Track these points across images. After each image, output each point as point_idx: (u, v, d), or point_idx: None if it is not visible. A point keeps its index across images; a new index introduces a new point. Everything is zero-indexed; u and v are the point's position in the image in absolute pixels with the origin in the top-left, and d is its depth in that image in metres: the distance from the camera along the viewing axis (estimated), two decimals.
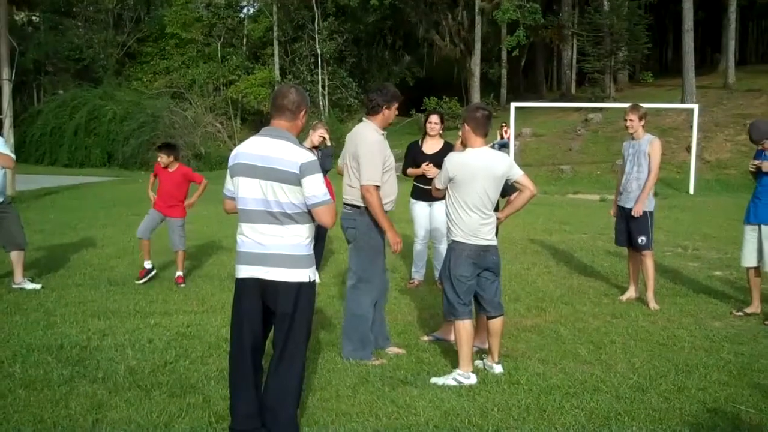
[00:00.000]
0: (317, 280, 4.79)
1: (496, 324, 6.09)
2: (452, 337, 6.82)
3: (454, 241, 5.91)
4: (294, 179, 4.35)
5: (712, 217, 17.04)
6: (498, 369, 6.06)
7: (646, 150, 8.49)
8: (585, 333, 7.24)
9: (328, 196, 4.45)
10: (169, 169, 9.57)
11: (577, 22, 45.10)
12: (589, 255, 11.71)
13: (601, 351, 6.65)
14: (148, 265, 9.57)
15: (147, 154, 36.01)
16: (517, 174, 5.99)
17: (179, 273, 9.53)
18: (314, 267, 4.60)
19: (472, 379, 5.78)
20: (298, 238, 4.46)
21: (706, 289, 9.23)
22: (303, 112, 4.57)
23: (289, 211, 4.41)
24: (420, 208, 9.34)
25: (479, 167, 5.81)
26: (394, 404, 5.27)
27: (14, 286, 9.02)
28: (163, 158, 9.55)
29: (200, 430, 4.83)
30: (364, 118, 6.43)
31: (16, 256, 9.07)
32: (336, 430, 4.82)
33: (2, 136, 10.54)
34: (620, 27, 38.39)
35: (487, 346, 6.27)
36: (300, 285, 4.47)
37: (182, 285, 9.33)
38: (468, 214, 5.81)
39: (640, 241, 8.54)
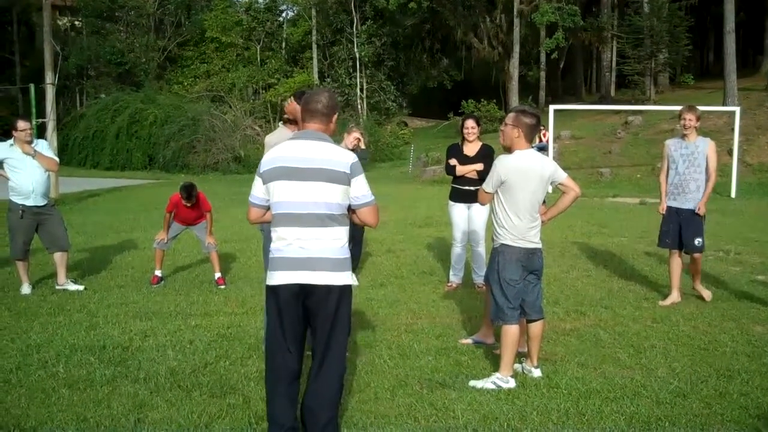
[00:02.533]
0: (356, 283, 4.81)
1: (536, 327, 6.07)
2: (491, 341, 6.82)
3: (502, 244, 5.89)
4: (345, 179, 4.37)
5: (754, 221, 16.81)
6: (537, 373, 6.04)
7: (705, 151, 8.54)
8: (625, 337, 7.18)
9: (373, 197, 4.49)
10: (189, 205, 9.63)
11: (616, 24, 44.73)
12: (629, 258, 11.61)
13: (641, 355, 6.60)
14: (159, 273, 9.73)
15: (187, 157, 36.34)
16: (562, 176, 5.99)
17: (218, 274, 9.61)
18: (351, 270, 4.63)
19: (511, 383, 5.77)
20: (340, 241, 4.47)
21: (749, 294, 9.11)
22: (336, 116, 4.61)
23: (335, 212, 4.41)
24: (459, 210, 9.32)
25: (532, 170, 5.81)
26: (433, 407, 5.27)
27: (58, 287, 9.17)
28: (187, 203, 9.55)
29: (240, 430, 4.88)
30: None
31: (59, 258, 9.22)
32: None
33: (46, 140, 10.71)
34: (660, 29, 37.97)
35: (526, 349, 6.25)
36: (342, 288, 4.47)
37: (222, 286, 9.41)
38: (518, 217, 5.80)
39: (696, 242, 8.54)
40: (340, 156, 4.41)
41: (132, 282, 9.71)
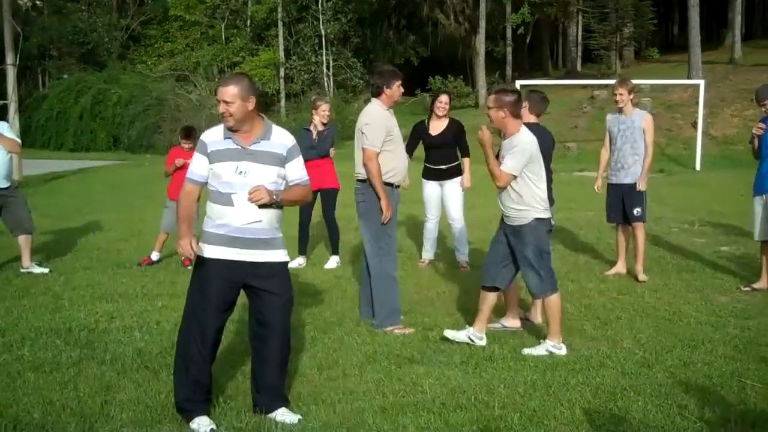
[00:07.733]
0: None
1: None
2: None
3: (537, 219, 5.92)
4: None
5: (718, 193, 16.97)
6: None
7: (640, 126, 8.54)
8: (591, 309, 7.26)
9: (191, 176, 4.75)
10: (187, 153, 9.54)
11: None
12: (595, 232, 11.71)
13: (606, 327, 6.67)
14: (155, 257, 9.64)
15: (152, 138, 35.93)
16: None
17: None
18: (210, 246, 4.77)
19: (563, 351, 5.91)
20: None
21: (713, 265, 9.22)
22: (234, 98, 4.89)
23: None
24: (431, 187, 9.39)
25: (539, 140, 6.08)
26: (401, 382, 5.30)
27: (22, 270, 9.07)
28: (186, 144, 9.53)
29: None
30: (372, 99, 6.70)
31: (23, 241, 9.10)
32: (343, 408, 4.84)
33: (7, 121, 10.55)
34: (626, 3, 38.17)
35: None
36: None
37: (189, 267, 9.35)
38: (542, 188, 5.95)
39: (635, 212, 8.57)
40: None
41: (97, 264, 9.62)
